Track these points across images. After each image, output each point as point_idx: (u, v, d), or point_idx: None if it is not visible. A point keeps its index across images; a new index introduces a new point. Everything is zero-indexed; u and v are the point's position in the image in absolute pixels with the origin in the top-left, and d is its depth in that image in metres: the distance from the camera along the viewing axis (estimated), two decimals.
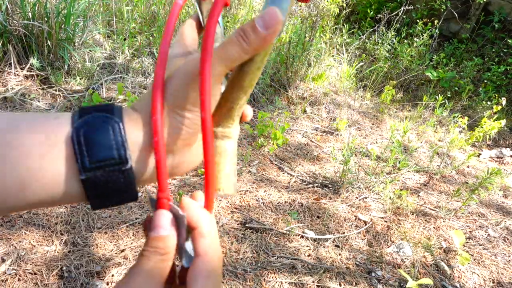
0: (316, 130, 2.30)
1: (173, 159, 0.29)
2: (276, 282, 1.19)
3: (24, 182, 0.24)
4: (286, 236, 1.38)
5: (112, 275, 1.11)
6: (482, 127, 2.40)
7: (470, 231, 1.61)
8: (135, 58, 2.43)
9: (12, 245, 1.14)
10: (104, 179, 0.26)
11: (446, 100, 2.65)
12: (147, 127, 0.27)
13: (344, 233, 1.45)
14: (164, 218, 0.27)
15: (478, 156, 2.46)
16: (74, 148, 0.25)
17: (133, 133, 0.26)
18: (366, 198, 1.70)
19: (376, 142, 2.33)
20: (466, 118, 2.47)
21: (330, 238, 1.41)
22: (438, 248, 1.46)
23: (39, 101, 1.85)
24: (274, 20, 0.26)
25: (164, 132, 0.27)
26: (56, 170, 0.25)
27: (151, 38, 2.56)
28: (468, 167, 2.24)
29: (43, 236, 1.20)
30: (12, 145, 0.24)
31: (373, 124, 2.55)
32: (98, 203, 0.27)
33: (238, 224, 1.40)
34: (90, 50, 2.17)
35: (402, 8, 3.17)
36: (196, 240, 0.27)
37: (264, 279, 1.19)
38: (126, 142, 0.26)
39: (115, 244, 1.22)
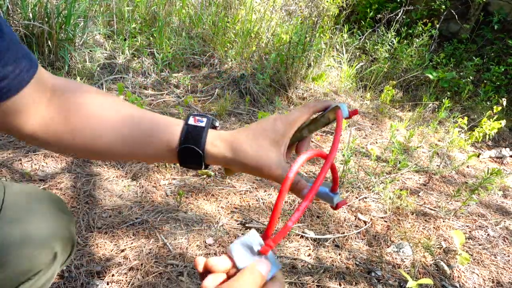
0: None
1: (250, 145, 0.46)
2: None
3: (158, 142, 0.46)
4: (286, 236, 1.38)
5: (112, 275, 1.11)
6: (482, 127, 2.40)
7: (470, 231, 1.62)
8: (135, 58, 2.44)
9: None
10: (187, 152, 0.45)
11: (446, 100, 2.65)
12: (223, 142, 0.46)
13: (344, 233, 1.45)
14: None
15: (478, 156, 2.46)
16: (181, 136, 0.46)
17: (212, 139, 0.46)
18: (366, 198, 1.70)
19: (376, 142, 2.33)
20: (465, 118, 2.47)
21: (330, 238, 1.41)
22: (438, 248, 1.47)
23: None
24: None
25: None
26: (172, 143, 0.46)
27: (151, 38, 2.56)
28: (468, 167, 2.24)
29: None
30: (154, 131, 0.47)
31: (373, 124, 2.55)
32: (183, 162, 0.47)
33: (238, 224, 1.40)
34: (90, 51, 2.17)
35: (402, 9, 3.17)
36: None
37: None
38: (205, 143, 0.45)
39: (115, 244, 1.22)
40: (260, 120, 0.48)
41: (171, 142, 0.46)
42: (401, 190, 1.76)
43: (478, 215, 1.74)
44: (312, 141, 2.15)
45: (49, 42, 1.92)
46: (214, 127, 0.49)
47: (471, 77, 3.29)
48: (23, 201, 0.57)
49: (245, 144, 0.45)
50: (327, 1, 2.74)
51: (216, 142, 0.46)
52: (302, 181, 0.47)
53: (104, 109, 0.46)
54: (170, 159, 0.47)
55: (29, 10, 1.88)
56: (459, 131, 2.52)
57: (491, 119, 2.43)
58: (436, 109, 2.88)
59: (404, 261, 1.37)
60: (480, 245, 1.53)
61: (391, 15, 3.25)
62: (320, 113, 0.50)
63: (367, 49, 3.39)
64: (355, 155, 2.05)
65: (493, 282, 1.35)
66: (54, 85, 0.46)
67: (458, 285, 1.31)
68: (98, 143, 0.45)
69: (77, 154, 0.48)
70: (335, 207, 0.47)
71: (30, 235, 0.53)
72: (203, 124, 0.45)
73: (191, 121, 0.46)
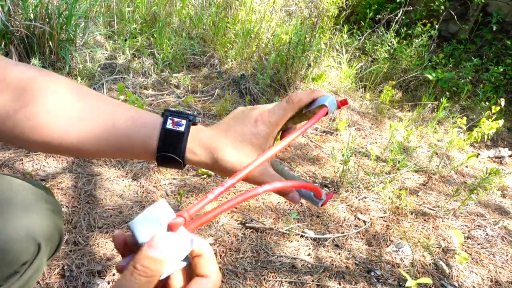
0: (316, 130, 2.31)
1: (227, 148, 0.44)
2: (276, 281, 1.20)
3: (133, 144, 0.45)
4: (286, 236, 1.39)
5: (113, 274, 1.12)
6: (480, 127, 2.41)
7: (469, 231, 1.62)
8: (136, 59, 2.44)
9: None
10: (166, 158, 0.44)
11: (444, 100, 2.66)
12: (201, 147, 0.45)
13: (343, 232, 1.46)
14: (166, 241, 0.28)
15: (477, 156, 2.47)
16: (159, 141, 0.44)
17: (192, 146, 0.45)
18: (365, 198, 1.71)
19: (376, 142, 2.34)
20: (464, 118, 2.48)
21: (329, 238, 1.42)
22: (437, 247, 1.47)
23: None
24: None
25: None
26: (149, 147, 0.45)
27: (151, 38, 2.57)
28: (466, 167, 2.25)
29: None
30: (133, 133, 0.44)
31: (372, 124, 2.56)
32: (161, 165, 0.46)
33: (238, 224, 1.41)
34: (91, 51, 2.18)
35: (401, 9, 3.18)
36: (201, 264, 0.30)
37: (264, 278, 1.20)
38: (185, 148, 0.44)
39: None
40: (239, 116, 0.45)
41: (148, 146, 0.44)
42: (400, 190, 1.77)
43: (477, 215, 1.75)
44: (312, 141, 2.16)
45: (50, 42, 1.92)
46: (194, 124, 0.46)
47: (470, 78, 3.30)
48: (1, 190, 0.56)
49: (226, 151, 0.43)
50: (327, 2, 2.74)
51: (196, 149, 0.44)
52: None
53: (71, 104, 0.43)
54: (148, 159, 0.46)
55: (30, 11, 1.88)
56: (458, 131, 2.53)
57: (489, 119, 2.44)
58: (435, 109, 2.89)
59: (403, 261, 1.38)
60: (478, 244, 1.54)
61: (391, 15, 3.26)
62: (306, 105, 0.47)
63: (366, 49, 3.40)
64: (355, 155, 2.06)
65: (491, 281, 1.36)
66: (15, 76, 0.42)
67: (457, 284, 1.32)
68: (64, 142, 0.43)
69: (38, 150, 0.46)
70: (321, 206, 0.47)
71: (6, 226, 0.53)
72: (182, 129, 0.43)
73: (169, 124, 0.43)
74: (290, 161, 1.91)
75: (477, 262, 1.44)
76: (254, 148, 0.44)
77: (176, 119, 0.43)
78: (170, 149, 0.43)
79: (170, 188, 1.53)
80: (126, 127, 0.44)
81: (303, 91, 0.45)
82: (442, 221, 1.64)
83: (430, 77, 3.15)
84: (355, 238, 1.46)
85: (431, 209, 1.72)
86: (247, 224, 1.40)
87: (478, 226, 1.67)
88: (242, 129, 0.43)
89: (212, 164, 0.44)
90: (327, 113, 0.45)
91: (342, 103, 0.46)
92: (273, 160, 0.49)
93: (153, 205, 0.29)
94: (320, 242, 1.39)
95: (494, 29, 3.60)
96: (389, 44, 3.21)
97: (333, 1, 2.77)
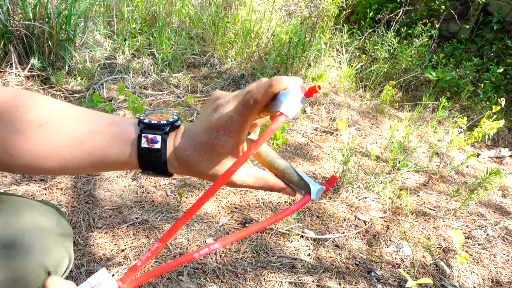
0: (316, 130, 2.30)
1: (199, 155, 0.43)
2: (276, 281, 1.19)
3: (117, 164, 0.44)
4: (286, 236, 1.39)
5: (113, 275, 1.12)
6: (481, 127, 2.41)
7: (469, 231, 1.62)
8: (136, 59, 2.44)
9: None
10: (148, 158, 0.43)
11: (443, 99, 2.66)
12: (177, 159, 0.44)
13: (343, 233, 1.46)
14: None
15: (478, 156, 2.47)
16: (139, 160, 0.43)
17: (170, 159, 0.44)
18: (365, 198, 1.70)
19: (376, 142, 2.33)
20: (465, 118, 2.47)
21: (329, 238, 1.41)
22: (438, 247, 1.47)
23: None
24: None
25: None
26: (132, 165, 0.44)
27: (151, 38, 2.57)
28: (467, 167, 2.25)
29: None
30: (112, 139, 0.43)
31: (372, 124, 2.56)
32: (144, 167, 0.44)
33: (238, 224, 1.41)
34: (90, 51, 2.18)
35: (401, 9, 3.18)
36: None
37: (264, 279, 1.19)
38: (165, 163, 0.43)
39: (116, 244, 1.23)
40: (205, 120, 0.43)
41: (131, 165, 0.44)
42: (400, 190, 1.76)
43: (478, 215, 1.74)
44: (312, 141, 2.16)
45: (49, 42, 1.92)
46: (177, 126, 0.45)
47: (470, 77, 3.29)
48: (18, 212, 0.57)
49: (200, 165, 0.43)
50: (327, 1, 2.74)
51: (174, 163, 0.44)
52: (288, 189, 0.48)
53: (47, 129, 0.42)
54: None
55: (30, 11, 1.88)
56: (458, 131, 2.52)
57: (490, 119, 2.43)
58: (436, 109, 2.89)
59: (403, 261, 1.37)
60: (479, 244, 1.54)
61: (391, 15, 3.26)
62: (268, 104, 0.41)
63: (367, 49, 3.40)
64: (355, 155, 2.06)
65: (492, 281, 1.36)
66: None
67: (457, 285, 1.32)
68: (45, 167, 0.43)
69: (14, 172, 0.46)
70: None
71: (19, 255, 0.53)
72: (158, 146, 0.42)
73: (144, 143, 0.42)
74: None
75: (478, 262, 1.44)
76: (227, 155, 0.43)
77: (150, 136, 0.42)
78: (151, 167, 0.43)
79: (170, 188, 1.52)
80: (104, 151, 0.43)
81: (260, 85, 0.39)
82: (443, 221, 1.64)
83: (430, 77, 3.15)
84: (355, 238, 1.45)
85: (431, 209, 1.71)
86: (247, 224, 1.40)
87: (479, 226, 1.66)
88: (208, 141, 0.42)
89: (191, 174, 0.45)
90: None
91: (312, 91, 0.38)
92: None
93: (94, 274, 0.33)
94: (320, 242, 1.39)
95: (494, 28, 3.59)
96: (389, 44, 3.21)
97: (333, 0, 2.77)
